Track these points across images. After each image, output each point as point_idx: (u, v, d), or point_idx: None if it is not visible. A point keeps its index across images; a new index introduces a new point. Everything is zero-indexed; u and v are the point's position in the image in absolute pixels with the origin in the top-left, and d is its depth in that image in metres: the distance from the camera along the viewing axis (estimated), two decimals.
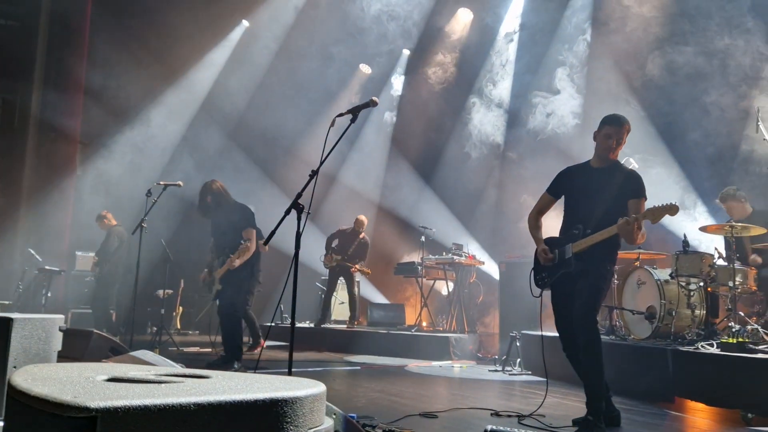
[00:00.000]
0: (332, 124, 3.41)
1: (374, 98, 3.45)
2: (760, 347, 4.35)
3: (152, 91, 10.85)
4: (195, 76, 11.21)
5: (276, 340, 9.42)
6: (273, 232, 3.39)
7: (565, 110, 8.58)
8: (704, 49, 7.13)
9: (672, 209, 3.37)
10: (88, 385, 1.05)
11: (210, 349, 7.16)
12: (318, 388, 1.13)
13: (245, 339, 6.80)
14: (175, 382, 1.12)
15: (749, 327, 4.87)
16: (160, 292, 9.15)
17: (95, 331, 4.79)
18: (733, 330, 4.72)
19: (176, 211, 10.04)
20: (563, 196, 4.01)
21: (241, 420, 0.95)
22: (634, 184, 3.75)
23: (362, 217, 9.58)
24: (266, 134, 11.40)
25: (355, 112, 3.43)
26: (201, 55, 11.23)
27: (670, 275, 5.40)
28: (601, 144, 3.78)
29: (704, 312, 5.31)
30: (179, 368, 2.13)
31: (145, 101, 10.81)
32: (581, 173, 3.92)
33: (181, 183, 6.70)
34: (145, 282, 8.82)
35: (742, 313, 5.05)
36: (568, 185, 3.96)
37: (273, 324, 9.56)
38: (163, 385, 1.08)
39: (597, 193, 3.76)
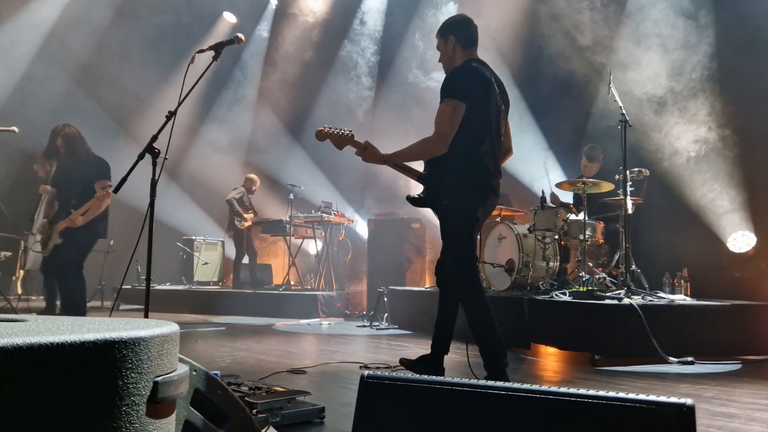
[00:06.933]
0: (191, 61, 3.13)
1: (239, 35, 3.20)
2: (607, 294, 4.69)
3: None
4: (35, 10, 9.89)
5: (131, 303, 8.83)
6: (124, 179, 3.06)
7: (435, 60, 8.61)
8: (557, 15, 7.44)
9: None
10: None
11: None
12: (168, 327, 0.94)
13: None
14: None
15: (597, 276, 5.26)
16: None
17: None
18: (583, 279, 5.06)
19: (13, 162, 8.93)
20: None
21: (64, 368, 0.73)
22: None
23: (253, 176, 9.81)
24: (120, 82, 10.41)
25: (217, 48, 3.16)
26: None
27: (528, 229, 5.67)
28: None
29: (558, 264, 5.65)
30: None
31: None
32: None
33: (15, 129, 5.89)
34: None
35: (590, 264, 5.44)
36: None
37: (128, 286, 9.06)
38: None
39: None
